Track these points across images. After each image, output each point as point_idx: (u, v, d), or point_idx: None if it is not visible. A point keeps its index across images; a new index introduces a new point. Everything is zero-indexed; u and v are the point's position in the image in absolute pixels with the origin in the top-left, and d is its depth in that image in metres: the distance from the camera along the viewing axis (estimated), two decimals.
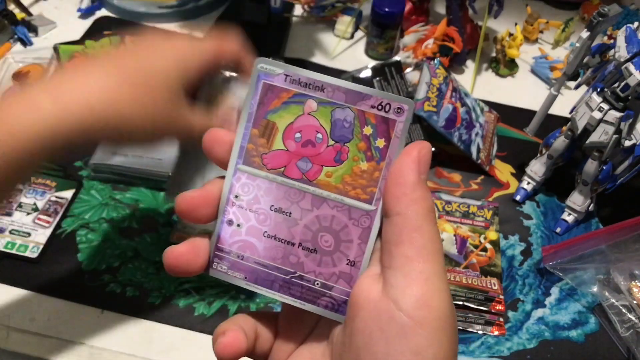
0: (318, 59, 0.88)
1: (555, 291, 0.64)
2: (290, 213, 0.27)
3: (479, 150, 0.75)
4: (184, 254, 0.27)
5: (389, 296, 0.23)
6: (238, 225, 0.27)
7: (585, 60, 0.63)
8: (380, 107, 0.25)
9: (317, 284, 0.27)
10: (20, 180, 0.40)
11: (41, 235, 0.62)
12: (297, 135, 0.26)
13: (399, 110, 0.25)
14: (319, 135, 0.26)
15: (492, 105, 0.82)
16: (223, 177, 0.27)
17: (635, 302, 0.60)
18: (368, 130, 0.26)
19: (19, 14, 0.87)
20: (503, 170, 0.76)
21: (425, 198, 0.24)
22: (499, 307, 0.60)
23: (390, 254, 0.24)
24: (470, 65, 0.89)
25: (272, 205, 0.27)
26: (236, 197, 0.27)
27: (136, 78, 0.39)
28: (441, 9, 0.96)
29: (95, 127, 0.38)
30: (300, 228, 0.27)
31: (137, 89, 0.39)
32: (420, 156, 0.24)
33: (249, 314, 0.29)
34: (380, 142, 0.26)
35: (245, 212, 0.27)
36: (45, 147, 0.37)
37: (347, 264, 0.26)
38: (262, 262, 0.27)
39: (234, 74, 0.46)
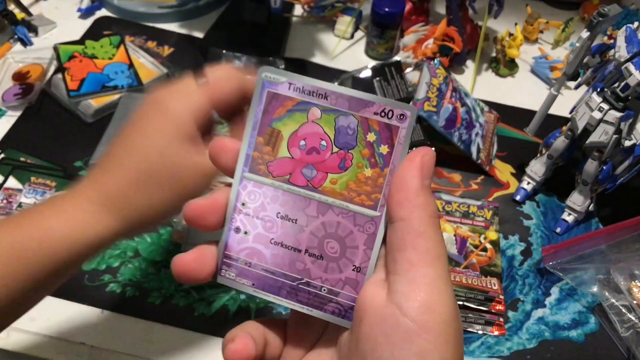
0: (318, 59, 0.88)
1: (555, 291, 0.64)
2: (296, 220, 0.27)
3: (479, 150, 0.75)
4: (191, 262, 0.27)
5: (393, 301, 0.23)
6: (245, 232, 0.27)
7: (585, 60, 0.63)
8: (383, 114, 0.26)
9: (324, 290, 0.27)
10: (56, 284, 0.42)
11: None
12: (302, 142, 0.27)
13: (401, 117, 0.26)
14: (323, 143, 0.26)
15: (492, 105, 0.82)
16: (230, 185, 0.28)
17: (635, 302, 0.60)
18: (372, 137, 0.26)
19: (19, 14, 0.87)
20: (503, 170, 0.76)
21: (429, 203, 0.24)
22: (499, 307, 0.60)
23: (394, 260, 0.24)
24: (470, 65, 0.89)
25: (279, 213, 0.27)
26: (243, 204, 0.27)
27: (137, 172, 0.40)
28: (441, 9, 0.96)
29: (125, 231, 0.41)
30: (306, 235, 0.27)
31: (143, 184, 0.40)
32: (423, 162, 0.25)
33: (258, 320, 0.29)
34: (384, 149, 0.26)
35: (252, 219, 0.27)
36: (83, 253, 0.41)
37: (353, 269, 0.27)
38: (269, 268, 0.27)
39: None
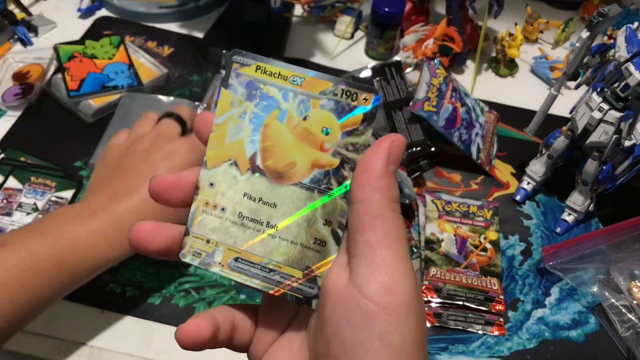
0: (318, 59, 0.88)
1: (555, 291, 0.64)
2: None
3: (479, 150, 0.75)
4: (146, 230, 0.27)
5: (354, 284, 0.23)
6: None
7: (585, 60, 0.63)
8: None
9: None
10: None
11: None
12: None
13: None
14: None
15: (492, 105, 0.82)
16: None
17: (635, 302, 0.60)
18: None
19: (19, 14, 0.87)
20: (503, 170, 0.76)
21: (390, 188, 0.24)
22: (499, 307, 0.60)
23: (354, 242, 0.24)
24: (470, 65, 0.89)
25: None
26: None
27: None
28: (441, 9, 0.96)
29: None
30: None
31: (157, 208, 0.42)
32: (392, 147, 0.24)
33: (230, 305, 0.29)
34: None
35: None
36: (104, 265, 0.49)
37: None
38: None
39: None
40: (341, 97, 0.26)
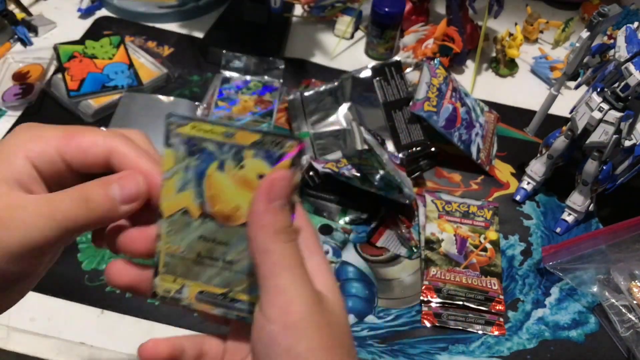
0: (318, 59, 0.88)
1: (555, 291, 0.64)
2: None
3: (479, 150, 0.75)
4: (114, 268, 0.30)
5: (261, 311, 0.27)
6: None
7: (585, 60, 0.63)
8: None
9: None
10: None
11: None
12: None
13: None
14: None
15: (492, 105, 0.82)
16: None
17: (635, 302, 0.60)
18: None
19: (19, 14, 0.87)
20: (503, 170, 0.76)
21: (275, 222, 0.27)
22: (499, 307, 0.60)
23: (257, 275, 0.27)
24: (470, 65, 0.89)
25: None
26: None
27: None
28: (441, 9, 0.96)
29: None
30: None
31: None
32: (270, 186, 0.27)
33: (203, 334, 0.32)
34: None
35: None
36: None
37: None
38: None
39: None
40: (269, 146, 0.28)
